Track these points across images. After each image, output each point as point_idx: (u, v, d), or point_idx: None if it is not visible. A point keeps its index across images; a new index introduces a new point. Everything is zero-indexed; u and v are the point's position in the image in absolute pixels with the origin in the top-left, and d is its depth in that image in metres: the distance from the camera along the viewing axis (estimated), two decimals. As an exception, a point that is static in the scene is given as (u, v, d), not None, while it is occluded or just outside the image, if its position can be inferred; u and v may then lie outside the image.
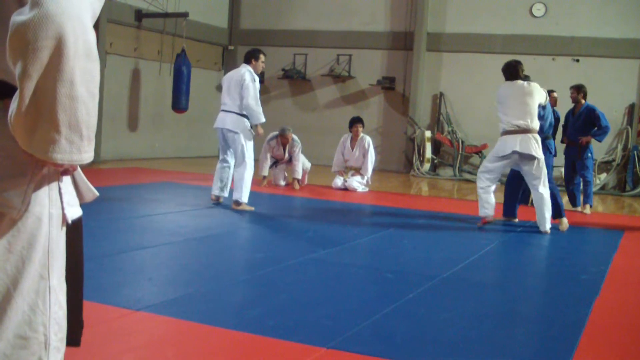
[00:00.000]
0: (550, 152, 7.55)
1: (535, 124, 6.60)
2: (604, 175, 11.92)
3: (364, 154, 9.59)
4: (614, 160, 12.02)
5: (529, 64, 12.67)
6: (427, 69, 13.39)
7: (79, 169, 1.50)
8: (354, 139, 9.66)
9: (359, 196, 8.96)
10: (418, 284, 4.16)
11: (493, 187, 6.85)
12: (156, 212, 6.67)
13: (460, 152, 12.90)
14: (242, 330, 3.03)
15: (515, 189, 7.37)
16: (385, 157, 13.60)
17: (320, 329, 3.15)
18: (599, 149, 10.94)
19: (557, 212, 6.89)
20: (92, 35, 1.31)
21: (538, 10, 12.66)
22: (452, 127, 13.23)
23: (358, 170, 9.62)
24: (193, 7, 12.83)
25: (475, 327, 3.37)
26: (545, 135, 7.39)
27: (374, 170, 10.04)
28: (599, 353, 3.13)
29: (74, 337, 1.66)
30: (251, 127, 6.95)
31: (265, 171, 9.42)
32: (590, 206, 8.40)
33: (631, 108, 12.13)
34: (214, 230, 5.97)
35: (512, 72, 6.74)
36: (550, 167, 7.27)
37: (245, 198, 6.92)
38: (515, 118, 6.56)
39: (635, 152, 11.67)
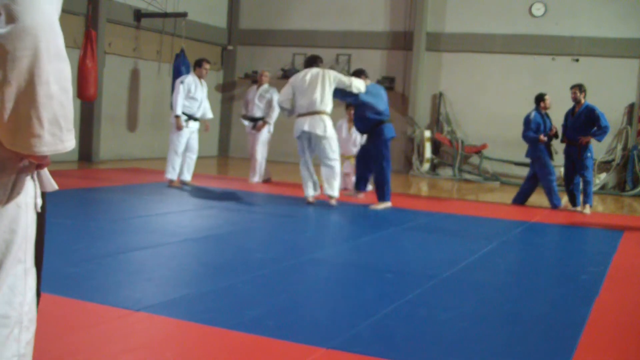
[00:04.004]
0: (382, 137, 7.66)
1: (325, 106, 7.29)
2: (603, 175, 11.91)
3: (360, 141, 9.45)
4: (613, 160, 12.02)
5: (529, 64, 12.75)
6: (426, 69, 13.39)
7: None
8: (349, 122, 9.59)
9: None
10: (418, 284, 4.15)
11: (309, 170, 7.53)
12: (155, 212, 6.66)
13: (459, 152, 12.91)
14: (242, 331, 3.03)
15: (366, 166, 8.02)
16: (384, 157, 13.58)
17: (320, 329, 3.15)
18: (598, 149, 10.94)
19: (382, 196, 7.55)
20: (60, 39, 1.48)
21: (538, 10, 12.66)
22: (451, 127, 13.23)
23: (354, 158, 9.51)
24: (192, 7, 12.82)
25: (475, 327, 3.37)
26: (377, 121, 7.64)
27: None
28: (599, 353, 3.12)
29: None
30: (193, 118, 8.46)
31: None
32: (590, 206, 8.39)
33: (631, 108, 12.13)
34: (214, 230, 5.97)
35: (311, 61, 7.54)
36: (387, 150, 7.69)
37: (167, 174, 8.38)
38: (307, 101, 7.26)
39: (635, 152, 11.66)
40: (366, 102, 7.59)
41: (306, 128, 7.27)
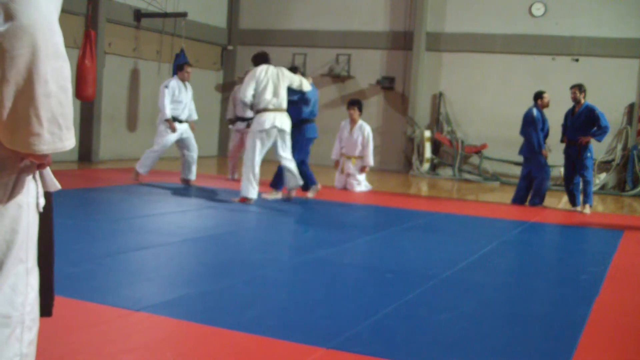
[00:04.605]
0: (306, 136, 8.29)
1: (285, 104, 7.45)
2: (603, 175, 11.91)
3: (362, 142, 9.45)
4: (613, 160, 12.02)
5: (528, 64, 12.75)
6: (426, 69, 13.39)
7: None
8: (351, 123, 9.57)
9: (359, 196, 8.95)
10: (418, 284, 4.15)
11: (257, 169, 7.42)
12: (155, 212, 6.66)
13: (459, 152, 12.91)
14: (242, 330, 3.03)
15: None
16: (384, 157, 13.60)
17: (320, 329, 3.15)
18: (598, 149, 10.94)
19: (311, 181, 8.04)
20: (59, 37, 1.48)
21: (537, 10, 12.66)
22: (451, 126, 13.23)
23: (357, 158, 9.47)
24: (192, 7, 12.82)
25: (475, 327, 3.37)
26: (305, 119, 8.22)
27: (373, 169, 10.01)
28: (599, 353, 3.12)
29: (46, 309, 1.83)
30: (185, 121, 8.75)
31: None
32: (590, 206, 8.39)
33: (631, 108, 12.13)
34: (213, 230, 5.97)
35: (263, 57, 7.59)
36: (308, 145, 8.35)
37: (138, 166, 8.71)
38: (274, 98, 7.37)
39: (634, 152, 11.66)
40: (309, 99, 7.95)
41: (278, 124, 7.30)
